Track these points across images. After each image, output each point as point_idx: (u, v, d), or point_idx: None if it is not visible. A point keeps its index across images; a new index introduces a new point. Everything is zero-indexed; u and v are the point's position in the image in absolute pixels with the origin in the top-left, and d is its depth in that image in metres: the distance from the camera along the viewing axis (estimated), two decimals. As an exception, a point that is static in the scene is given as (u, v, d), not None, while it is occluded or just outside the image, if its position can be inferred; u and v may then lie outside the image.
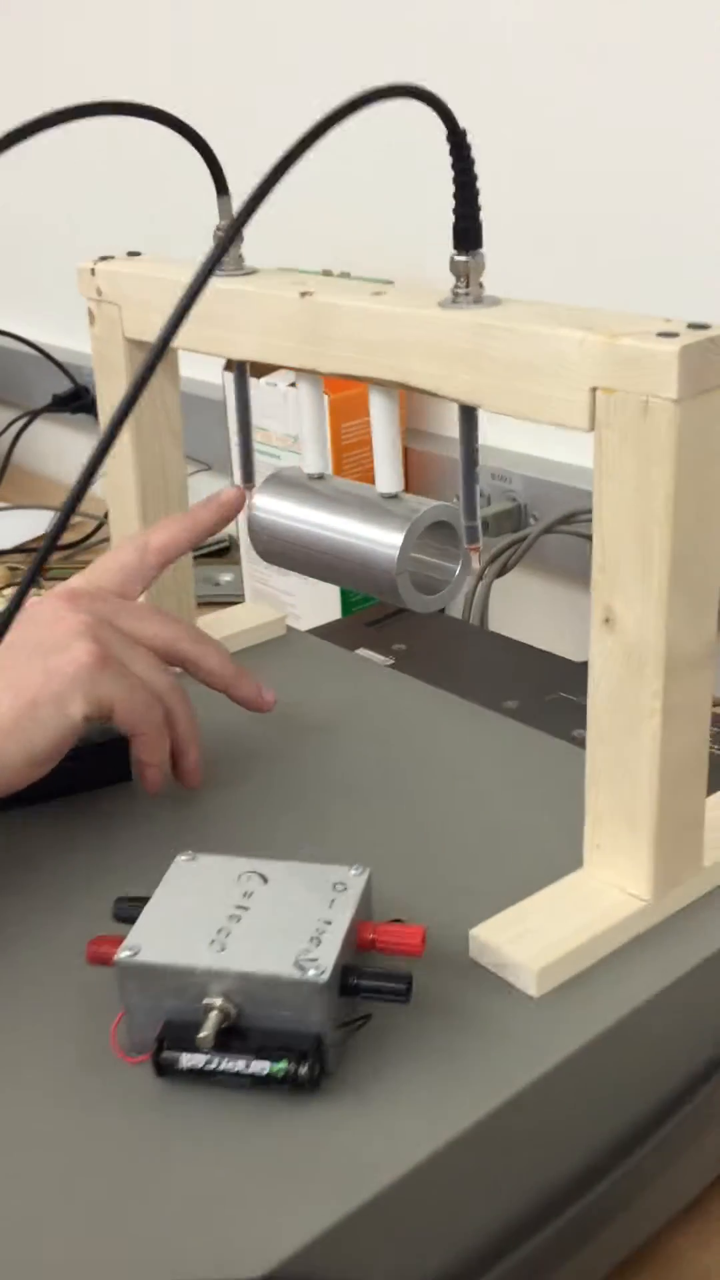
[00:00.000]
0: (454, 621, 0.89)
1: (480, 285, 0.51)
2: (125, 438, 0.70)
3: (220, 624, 0.79)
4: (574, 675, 0.77)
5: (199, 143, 0.59)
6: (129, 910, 0.48)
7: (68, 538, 1.30)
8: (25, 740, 0.53)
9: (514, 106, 0.91)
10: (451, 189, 0.50)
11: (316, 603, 1.03)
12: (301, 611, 1.06)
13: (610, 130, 0.88)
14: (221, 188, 0.61)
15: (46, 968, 0.51)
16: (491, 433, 1.01)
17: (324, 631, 0.85)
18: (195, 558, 1.28)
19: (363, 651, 0.82)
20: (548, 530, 0.91)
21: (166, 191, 1.06)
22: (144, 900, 0.48)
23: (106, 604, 0.59)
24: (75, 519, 1.34)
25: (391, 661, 0.81)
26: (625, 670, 0.49)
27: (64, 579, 1.21)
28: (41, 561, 0.50)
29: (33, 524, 1.36)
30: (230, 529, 1.16)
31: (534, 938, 0.49)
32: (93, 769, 0.63)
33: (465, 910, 0.52)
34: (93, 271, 0.69)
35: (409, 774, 0.64)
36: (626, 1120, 0.49)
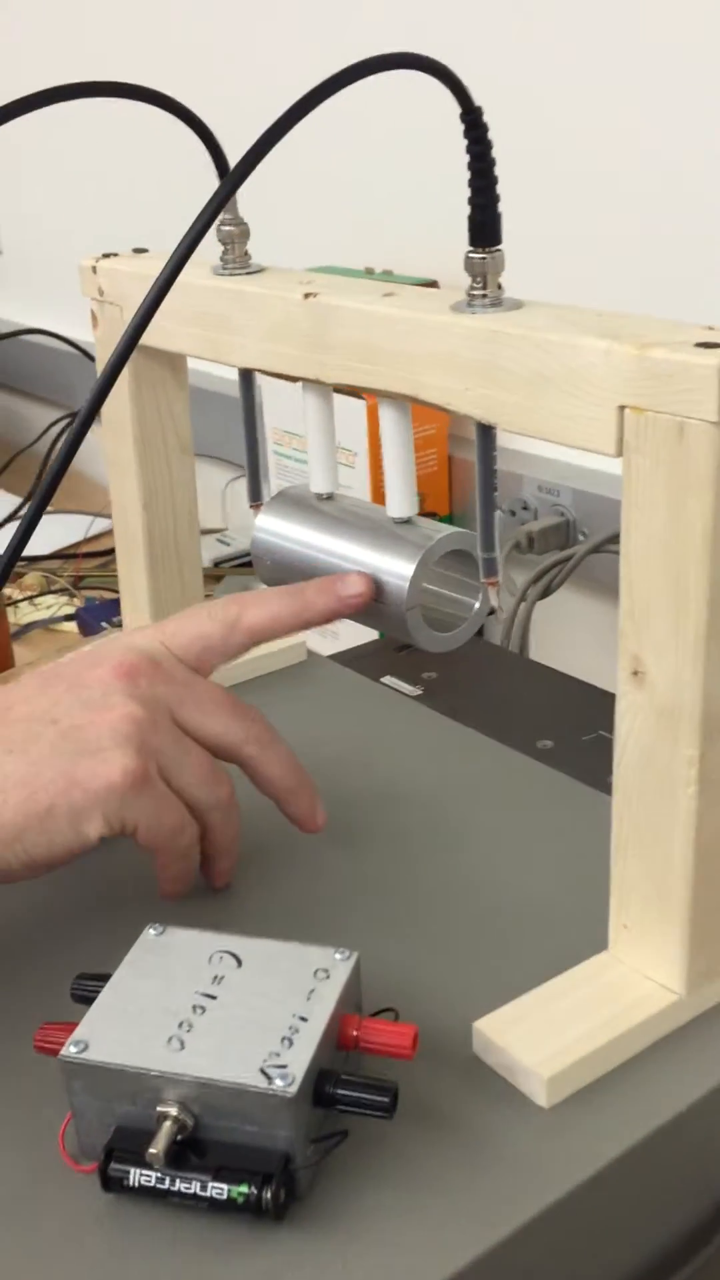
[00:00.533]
0: (490, 647, 0.82)
1: (499, 287, 0.45)
2: (128, 450, 0.65)
3: (237, 647, 0.74)
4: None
5: (202, 130, 0.53)
6: (87, 991, 0.43)
7: (103, 544, 1.26)
8: (28, 849, 0.45)
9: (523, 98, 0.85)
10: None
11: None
12: (340, 628, 1.00)
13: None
14: (225, 175, 0.55)
15: (3, 1044, 0.46)
16: (539, 441, 0.94)
17: (350, 656, 0.79)
18: (234, 566, 1.24)
19: (389, 679, 0.76)
20: (597, 549, 0.85)
21: (188, 186, 1.01)
22: (104, 979, 0.43)
23: (172, 687, 0.49)
24: (110, 526, 1.29)
25: (419, 691, 0.74)
26: (656, 731, 0.42)
27: (102, 588, 1.18)
28: (11, 563, 0.46)
29: (71, 529, 1.32)
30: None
31: (546, 1036, 0.43)
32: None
33: (470, 995, 0.46)
34: (94, 269, 0.63)
35: (417, 828, 0.57)
36: (646, 1258, 0.42)
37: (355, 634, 0.95)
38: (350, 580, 0.52)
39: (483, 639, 0.85)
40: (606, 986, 0.45)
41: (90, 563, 1.24)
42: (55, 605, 1.17)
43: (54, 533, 1.32)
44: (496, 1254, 0.38)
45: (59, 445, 1.38)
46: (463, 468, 0.99)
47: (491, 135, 0.42)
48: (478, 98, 0.42)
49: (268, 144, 0.42)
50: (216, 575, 1.18)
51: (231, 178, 0.42)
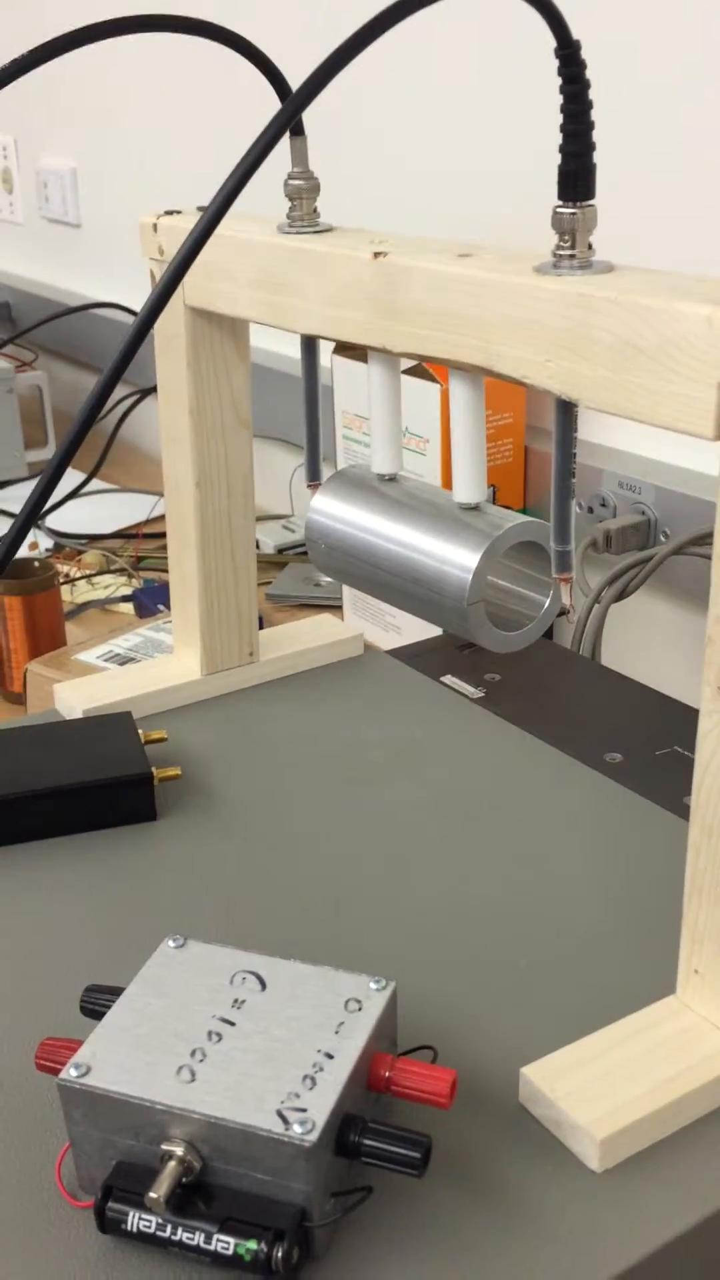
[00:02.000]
0: (558, 650, 0.77)
1: (590, 247, 0.40)
2: (183, 423, 0.61)
3: (292, 639, 0.70)
4: (693, 726, 0.65)
5: (263, 62, 0.49)
6: (97, 1005, 0.39)
7: (164, 526, 1.22)
8: None
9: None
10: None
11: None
12: (402, 623, 0.96)
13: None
14: (296, 128, 0.51)
15: (8, 1056, 0.42)
16: (619, 434, 0.89)
17: (410, 652, 0.75)
18: (297, 554, 1.20)
19: (449, 679, 0.71)
20: (679, 550, 0.79)
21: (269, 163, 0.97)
22: (116, 993, 0.39)
23: None
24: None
25: (481, 694, 0.70)
26: (745, 755, 0.37)
27: (161, 570, 1.14)
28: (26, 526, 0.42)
29: (136, 509, 1.29)
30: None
31: (602, 1090, 0.38)
32: (111, 806, 0.54)
33: (519, 1036, 0.41)
34: (154, 228, 0.59)
35: (470, 847, 0.53)
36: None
37: (418, 628, 0.91)
38: None
39: (552, 641, 0.80)
40: (673, 1037, 0.40)
41: (151, 544, 1.21)
42: (114, 585, 1.14)
43: (117, 512, 1.29)
44: (534, 1339, 0.33)
45: (126, 420, 1.35)
46: (540, 460, 0.94)
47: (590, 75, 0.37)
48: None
49: (329, 73, 0.37)
50: (280, 562, 1.14)
51: (289, 105, 0.38)
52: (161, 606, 1.04)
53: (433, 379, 0.87)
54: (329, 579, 1.11)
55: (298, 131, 0.51)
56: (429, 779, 0.57)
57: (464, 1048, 0.41)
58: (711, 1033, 0.40)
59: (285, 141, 0.51)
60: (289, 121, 0.37)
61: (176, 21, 0.47)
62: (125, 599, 1.10)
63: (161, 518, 1.25)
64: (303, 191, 0.51)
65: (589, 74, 0.38)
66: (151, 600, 1.06)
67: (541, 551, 0.47)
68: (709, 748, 0.38)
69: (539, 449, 0.94)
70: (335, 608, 1.00)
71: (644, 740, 0.65)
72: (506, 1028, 0.42)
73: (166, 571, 1.14)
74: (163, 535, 1.21)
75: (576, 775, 0.58)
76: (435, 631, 0.90)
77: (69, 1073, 0.36)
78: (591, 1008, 0.42)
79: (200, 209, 0.60)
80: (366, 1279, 0.34)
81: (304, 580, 1.11)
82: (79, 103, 1.46)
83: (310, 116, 0.51)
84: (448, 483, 0.89)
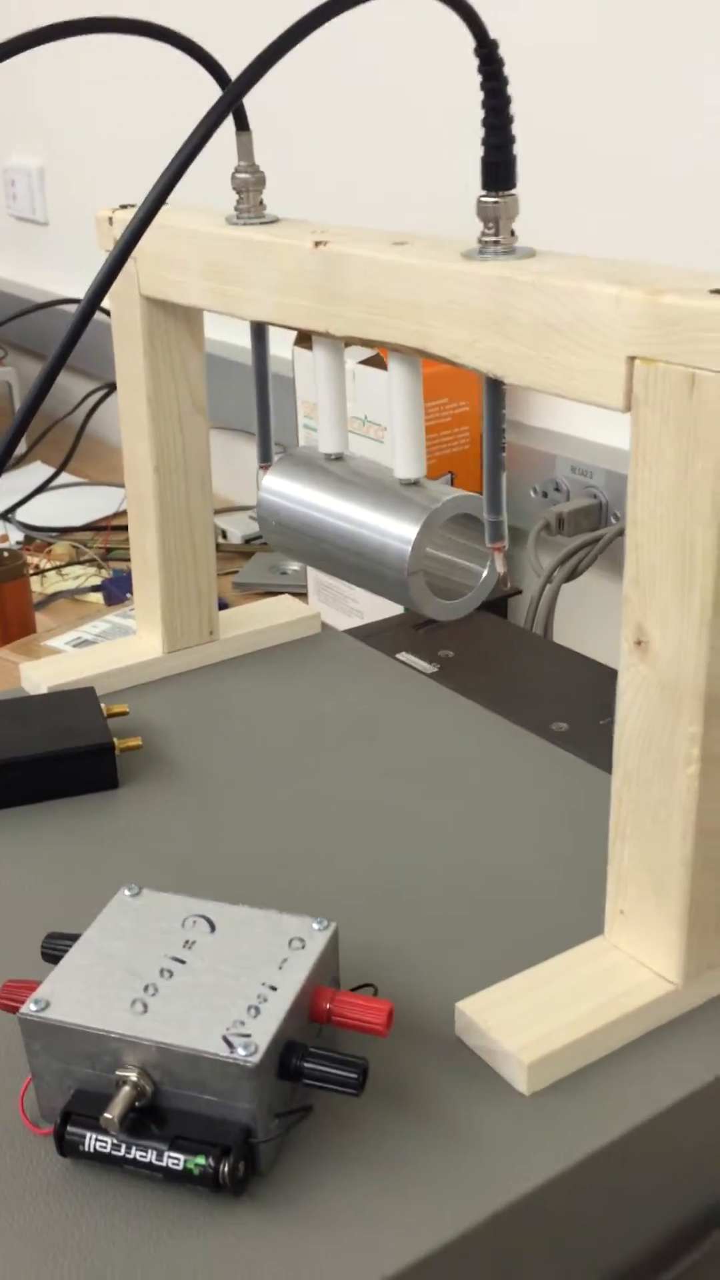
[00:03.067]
0: (510, 628, 0.80)
1: (512, 234, 0.43)
2: (140, 409, 0.64)
3: (251, 618, 0.72)
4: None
5: (202, 56, 0.51)
6: (57, 950, 0.41)
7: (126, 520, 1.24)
8: None
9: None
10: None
11: (379, 598, 0.95)
12: (363, 606, 0.98)
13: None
14: (241, 123, 0.53)
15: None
16: (572, 420, 0.91)
17: (368, 631, 0.77)
18: (262, 544, 1.22)
19: (405, 656, 0.74)
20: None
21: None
22: (74, 939, 0.41)
23: None
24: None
25: (435, 669, 0.72)
26: (658, 706, 0.40)
27: (128, 559, 1.17)
28: None
29: (105, 501, 1.31)
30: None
31: (531, 1020, 0.41)
32: (74, 774, 0.56)
33: (457, 976, 0.44)
34: (110, 220, 0.62)
35: (419, 802, 0.55)
36: (624, 1259, 0.40)
37: (377, 609, 0.94)
38: None
39: (505, 619, 0.83)
40: (600, 972, 0.43)
41: (119, 535, 1.23)
42: (83, 576, 1.16)
43: (85, 504, 1.31)
44: (463, 1243, 0.36)
45: (94, 414, 1.37)
46: (518, 454, 0.97)
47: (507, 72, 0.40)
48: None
49: (266, 63, 0.40)
50: (247, 552, 1.17)
51: (227, 94, 0.40)
52: (129, 595, 1.06)
53: (385, 367, 0.90)
54: (294, 567, 1.14)
55: (243, 127, 0.54)
56: (382, 748, 0.60)
57: (403, 987, 0.43)
58: (635, 968, 0.43)
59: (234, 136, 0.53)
60: (226, 110, 0.39)
61: (116, 23, 0.50)
62: (94, 589, 1.12)
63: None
64: (249, 185, 0.53)
65: (509, 70, 0.41)
66: (120, 589, 1.08)
67: (478, 523, 0.50)
68: (627, 700, 0.41)
69: (517, 443, 0.96)
70: (300, 594, 1.03)
71: (589, 710, 0.68)
72: (445, 969, 0.45)
73: (134, 560, 1.16)
74: (123, 529, 1.23)
75: (523, 742, 0.61)
76: (395, 611, 0.93)
77: (29, 1007, 0.38)
78: (526, 950, 0.45)
79: (155, 203, 0.63)
80: (308, 1190, 0.37)
81: (270, 569, 1.13)
82: (47, 102, 1.47)
83: (261, 112, 0.54)
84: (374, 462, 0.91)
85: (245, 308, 0.54)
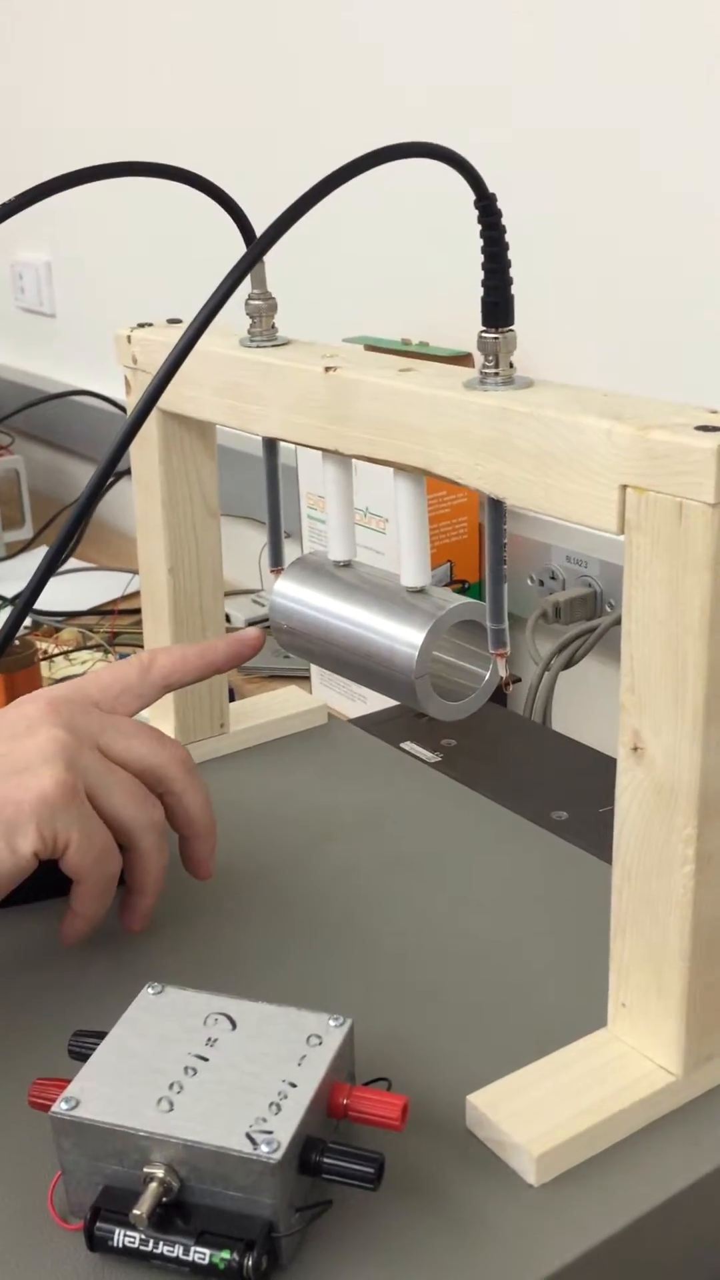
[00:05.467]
0: (511, 716, 0.83)
1: (511, 365, 0.46)
2: (156, 515, 0.67)
3: (259, 710, 0.75)
4: (635, 785, 0.70)
5: (228, 204, 0.55)
6: (84, 1048, 0.43)
7: (139, 603, 1.27)
8: None
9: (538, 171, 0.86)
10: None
11: (379, 684, 0.97)
12: (367, 693, 1.01)
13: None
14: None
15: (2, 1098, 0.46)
16: (567, 513, 0.94)
17: (372, 720, 0.80)
18: (265, 627, 1.25)
19: (408, 745, 0.76)
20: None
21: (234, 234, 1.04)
22: (101, 1037, 0.43)
23: (91, 718, 0.51)
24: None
25: (438, 758, 0.75)
26: (655, 808, 0.42)
27: (137, 645, 1.19)
28: (22, 615, 0.47)
29: (112, 586, 1.34)
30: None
31: (539, 1112, 0.43)
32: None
33: (467, 1067, 0.46)
34: (129, 339, 0.65)
35: (423, 896, 0.57)
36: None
37: (381, 697, 0.96)
38: (248, 632, 0.58)
39: (505, 708, 0.85)
40: (603, 1065, 0.45)
41: (126, 620, 1.25)
42: (90, 660, 1.18)
43: (92, 589, 1.33)
44: (478, 1334, 0.37)
45: (104, 502, 1.40)
46: (517, 545, 1.00)
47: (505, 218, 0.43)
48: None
49: (286, 224, 0.43)
50: (249, 635, 1.19)
51: (250, 253, 0.44)
52: (137, 680, 1.09)
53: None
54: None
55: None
56: (389, 839, 0.62)
57: (415, 1080, 0.45)
58: (638, 1060, 0.45)
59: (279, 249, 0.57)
60: (249, 266, 0.42)
61: (147, 167, 0.53)
62: (102, 674, 1.15)
63: (136, 594, 1.30)
64: (262, 311, 0.57)
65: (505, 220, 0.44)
66: (127, 674, 1.10)
67: (481, 629, 0.52)
68: (625, 801, 0.44)
69: (517, 534, 0.99)
70: (304, 678, 1.05)
71: (588, 798, 0.70)
72: (455, 1061, 0.47)
73: (142, 646, 1.19)
74: (137, 611, 1.26)
75: (524, 832, 0.63)
76: (388, 705, 0.95)
77: (60, 1106, 0.40)
78: (532, 1041, 0.46)
79: (171, 321, 0.67)
80: (327, 1283, 0.38)
81: (274, 653, 1.16)
82: (55, 200, 1.53)
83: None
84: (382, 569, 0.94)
85: (257, 425, 0.57)
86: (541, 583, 0.94)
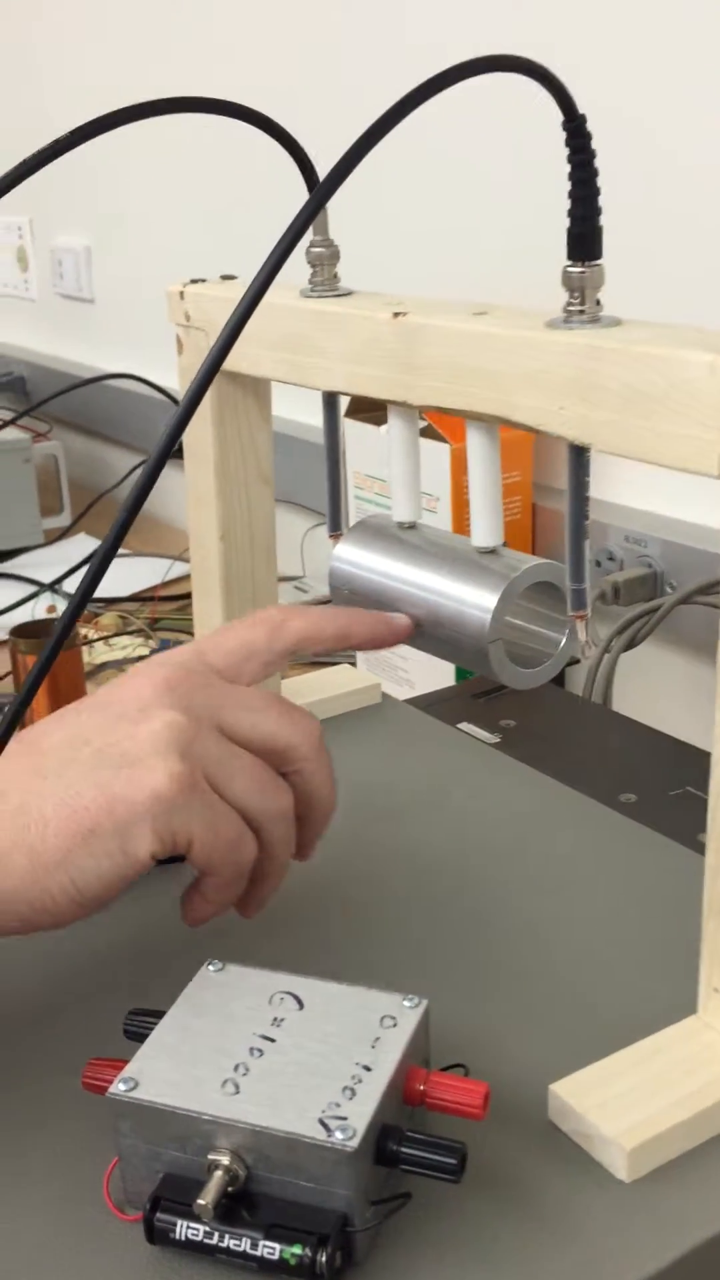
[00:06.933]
0: (571, 698, 0.79)
1: (598, 303, 0.43)
2: (208, 480, 0.64)
3: (312, 688, 0.72)
4: (705, 768, 0.67)
5: (288, 141, 0.52)
6: (140, 1027, 0.40)
7: (179, 589, 1.25)
8: (75, 878, 0.41)
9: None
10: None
11: (430, 667, 0.94)
12: (414, 676, 0.98)
13: None
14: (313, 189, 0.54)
15: (48, 1084, 0.43)
16: (625, 490, 0.91)
17: (426, 701, 0.77)
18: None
19: (466, 726, 0.73)
20: (685, 600, 0.81)
21: (286, 222, 1.01)
22: (158, 1016, 0.40)
23: (212, 692, 0.45)
24: (188, 570, 1.29)
25: (497, 739, 0.72)
26: (757, 776, 0.39)
27: (178, 630, 1.17)
28: (83, 601, 0.44)
29: (151, 572, 1.32)
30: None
31: (628, 1104, 0.40)
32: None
33: (548, 1055, 0.43)
34: (181, 295, 0.63)
35: (494, 878, 0.54)
36: None
37: (429, 680, 0.93)
38: (399, 618, 0.52)
39: (564, 689, 0.82)
40: (695, 1054, 0.42)
41: (166, 605, 1.23)
42: (130, 646, 1.16)
43: (132, 575, 1.31)
44: (570, 1340, 0.34)
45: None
46: (547, 516, 0.97)
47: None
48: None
49: (360, 151, 0.40)
50: (292, 621, 1.17)
51: (323, 186, 0.41)
52: (179, 665, 1.06)
53: (442, 439, 0.91)
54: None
55: (317, 201, 0.54)
56: (452, 817, 0.59)
57: (492, 1067, 0.42)
58: (733, 1049, 0.42)
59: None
60: (316, 210, 0.40)
61: (203, 103, 0.51)
62: (142, 659, 1.13)
63: (176, 580, 1.28)
64: (324, 259, 0.54)
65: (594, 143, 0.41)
66: (168, 660, 1.08)
67: (557, 592, 0.49)
68: (723, 771, 0.40)
69: (546, 506, 0.97)
70: (349, 663, 1.02)
71: (657, 781, 0.66)
72: (533, 1048, 0.44)
73: (182, 632, 1.17)
74: (178, 597, 1.24)
75: (594, 813, 0.60)
76: (448, 682, 0.92)
77: (118, 1087, 0.37)
78: (614, 1029, 0.43)
79: (224, 277, 0.64)
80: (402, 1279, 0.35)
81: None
82: (92, 184, 1.51)
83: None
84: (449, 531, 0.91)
85: (318, 378, 0.54)
86: (599, 563, 0.91)
